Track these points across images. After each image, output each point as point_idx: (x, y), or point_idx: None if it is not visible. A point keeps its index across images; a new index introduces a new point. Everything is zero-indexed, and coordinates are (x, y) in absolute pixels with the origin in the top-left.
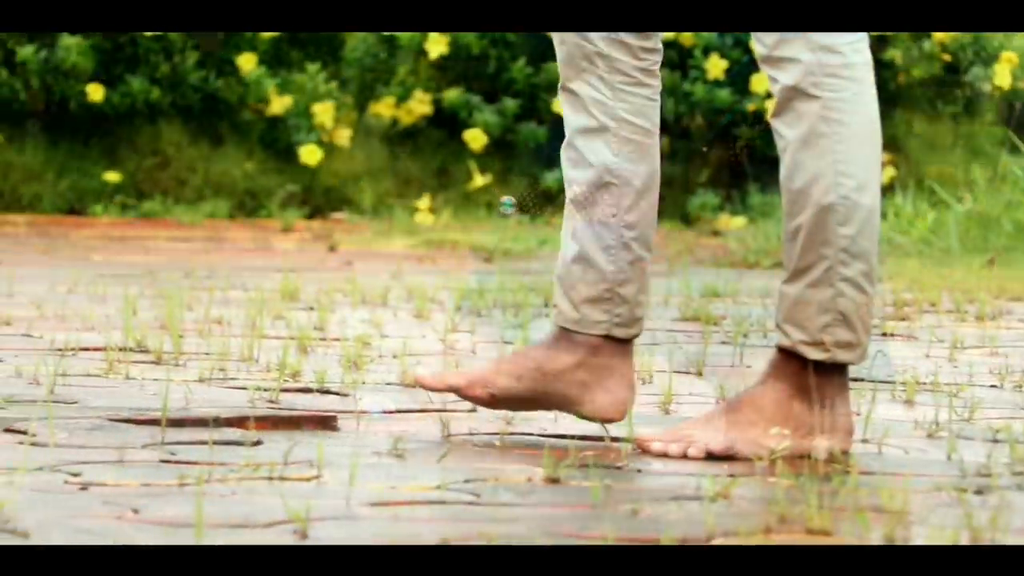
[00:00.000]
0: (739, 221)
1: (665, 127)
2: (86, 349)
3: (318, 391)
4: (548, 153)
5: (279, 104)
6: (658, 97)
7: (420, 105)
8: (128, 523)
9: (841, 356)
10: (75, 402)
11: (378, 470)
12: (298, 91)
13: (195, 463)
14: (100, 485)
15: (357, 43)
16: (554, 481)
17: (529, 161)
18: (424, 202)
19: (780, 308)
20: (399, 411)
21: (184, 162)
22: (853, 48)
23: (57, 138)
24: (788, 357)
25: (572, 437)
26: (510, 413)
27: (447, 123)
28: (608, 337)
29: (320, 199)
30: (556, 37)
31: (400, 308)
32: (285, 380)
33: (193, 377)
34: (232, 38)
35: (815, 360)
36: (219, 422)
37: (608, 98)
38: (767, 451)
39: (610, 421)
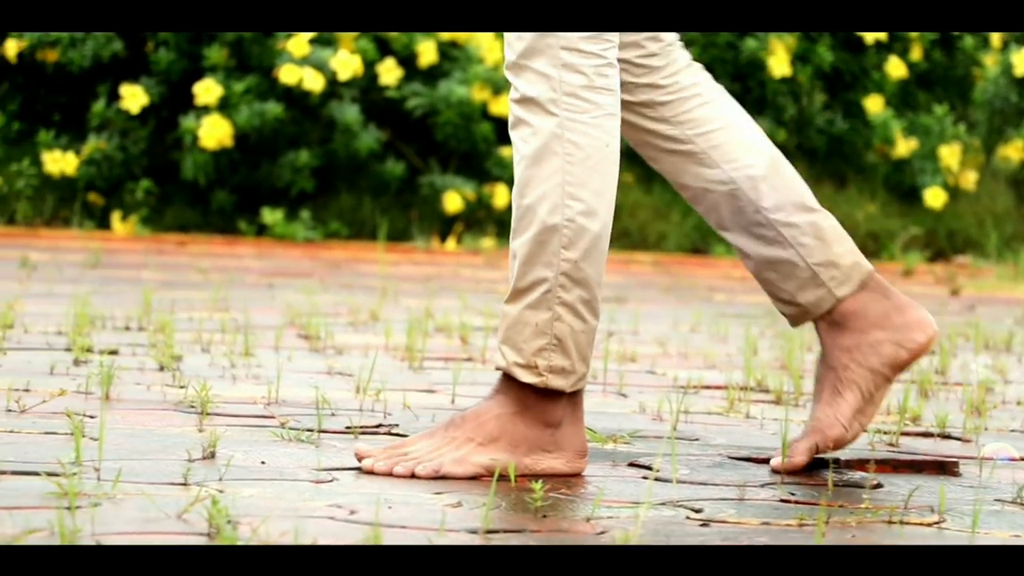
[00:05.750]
0: None
1: None
2: (707, 387)
3: (939, 436)
4: None
5: (904, 146)
6: (713, 95)
7: None
8: None
9: (554, 382)
10: (696, 439)
11: (1001, 518)
12: (924, 133)
13: (815, 503)
14: (720, 522)
15: (987, 85)
16: None
17: None
18: None
19: (500, 327)
20: None
21: None
22: (597, 72)
23: None
24: (510, 376)
25: None
26: None
27: None
28: (847, 297)
29: (943, 242)
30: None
31: None
32: (906, 424)
33: None
34: (859, 80)
35: (529, 383)
36: (839, 464)
37: (671, 129)
38: (478, 468)
39: (927, 345)
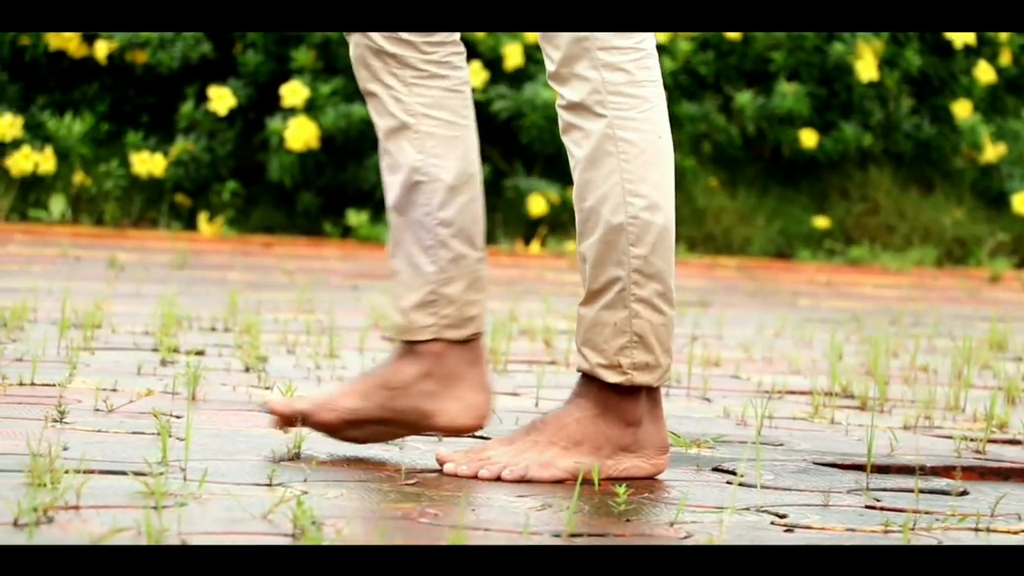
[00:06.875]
0: None
1: None
2: (792, 392)
3: None
4: None
5: (992, 152)
6: (463, 88)
7: None
8: None
9: (639, 378)
10: (780, 444)
11: None
12: (1013, 138)
13: (900, 510)
14: (805, 528)
15: None
16: None
17: None
18: None
19: (578, 331)
20: None
21: (893, 209)
22: (639, 65)
23: (768, 183)
24: (591, 378)
25: None
26: None
27: None
28: (446, 341)
29: None
30: (350, 40)
31: None
32: (992, 431)
33: (898, 424)
34: (947, 84)
35: (615, 383)
36: (925, 470)
37: (404, 94)
38: (563, 473)
39: (468, 431)
